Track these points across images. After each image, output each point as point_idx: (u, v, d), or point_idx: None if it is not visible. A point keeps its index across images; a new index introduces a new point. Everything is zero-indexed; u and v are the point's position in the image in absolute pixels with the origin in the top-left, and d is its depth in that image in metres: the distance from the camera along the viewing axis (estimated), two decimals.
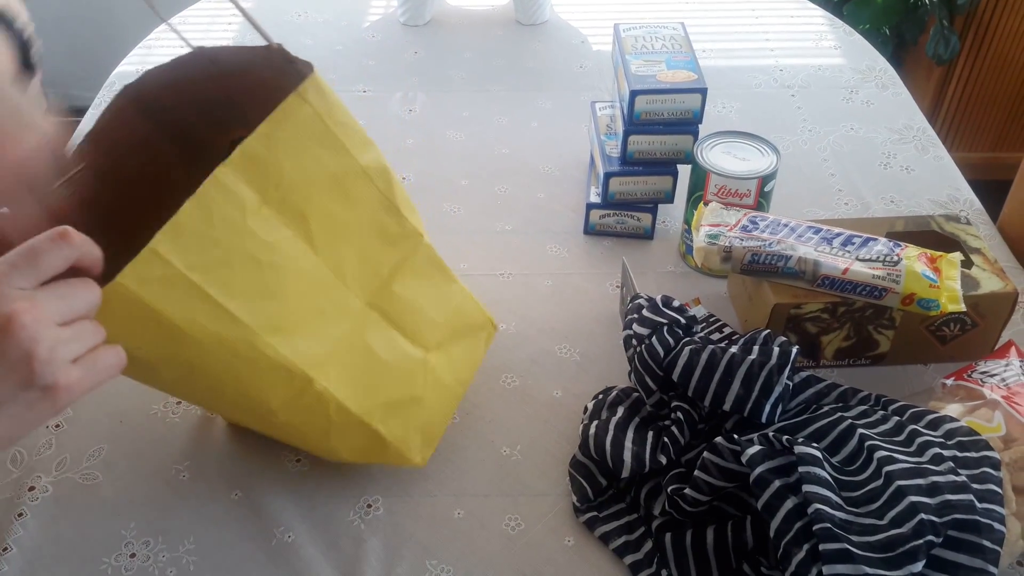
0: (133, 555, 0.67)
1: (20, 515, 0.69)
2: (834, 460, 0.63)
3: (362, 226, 0.60)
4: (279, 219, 0.56)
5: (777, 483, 0.59)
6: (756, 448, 0.61)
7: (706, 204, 0.83)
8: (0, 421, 0.46)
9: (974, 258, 0.78)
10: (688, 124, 0.88)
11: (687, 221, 0.89)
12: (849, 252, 0.74)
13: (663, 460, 0.67)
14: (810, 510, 0.57)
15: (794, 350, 0.69)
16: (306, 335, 0.59)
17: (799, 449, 0.60)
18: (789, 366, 0.67)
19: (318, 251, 0.58)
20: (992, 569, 0.56)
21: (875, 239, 0.76)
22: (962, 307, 0.71)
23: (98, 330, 0.49)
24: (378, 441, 0.66)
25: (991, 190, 1.11)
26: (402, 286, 0.64)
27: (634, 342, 0.73)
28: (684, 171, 0.90)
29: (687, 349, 0.69)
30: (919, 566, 0.55)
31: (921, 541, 0.55)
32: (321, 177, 0.57)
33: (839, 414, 0.67)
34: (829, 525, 0.56)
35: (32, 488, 0.71)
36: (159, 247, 0.50)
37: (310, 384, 0.60)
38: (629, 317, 0.75)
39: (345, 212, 0.59)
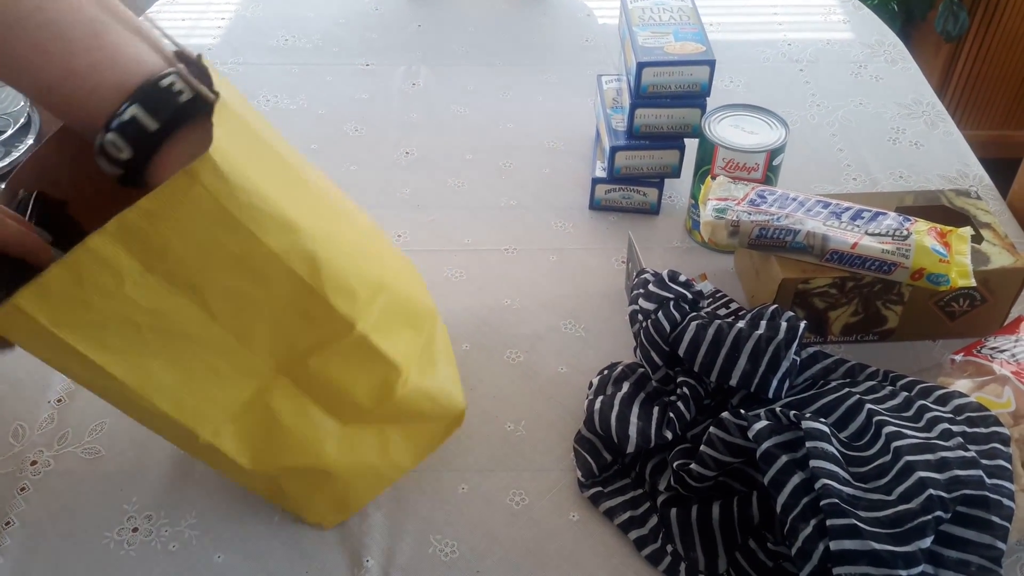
0: (135, 529, 0.67)
1: (22, 489, 0.69)
2: (842, 435, 0.63)
3: (277, 304, 0.55)
4: (167, 288, 0.52)
5: (784, 458, 0.59)
6: (763, 423, 0.60)
7: (713, 178, 0.82)
8: None
9: (984, 233, 0.77)
10: (696, 97, 0.87)
11: (694, 196, 0.88)
12: (858, 226, 0.74)
13: (668, 435, 0.67)
14: (817, 485, 0.56)
15: (801, 325, 0.68)
16: (193, 393, 0.56)
17: (806, 424, 0.59)
18: (796, 341, 0.67)
19: (217, 319, 0.54)
20: (1001, 545, 0.55)
21: (884, 213, 0.75)
22: (972, 282, 0.70)
23: None
24: (280, 493, 0.65)
25: (1000, 168, 1.10)
26: (321, 363, 0.59)
27: (640, 317, 0.72)
28: (691, 145, 0.89)
29: (693, 324, 0.69)
30: (927, 542, 0.54)
31: (929, 517, 0.55)
32: (220, 255, 0.52)
33: (847, 389, 0.66)
34: (836, 500, 0.56)
35: (34, 462, 0.71)
36: (22, 302, 0.48)
37: (195, 436, 0.57)
38: (635, 292, 0.74)
39: (255, 290, 0.54)
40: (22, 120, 2.26)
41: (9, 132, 2.23)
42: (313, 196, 0.57)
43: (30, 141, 2.25)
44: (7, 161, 2.20)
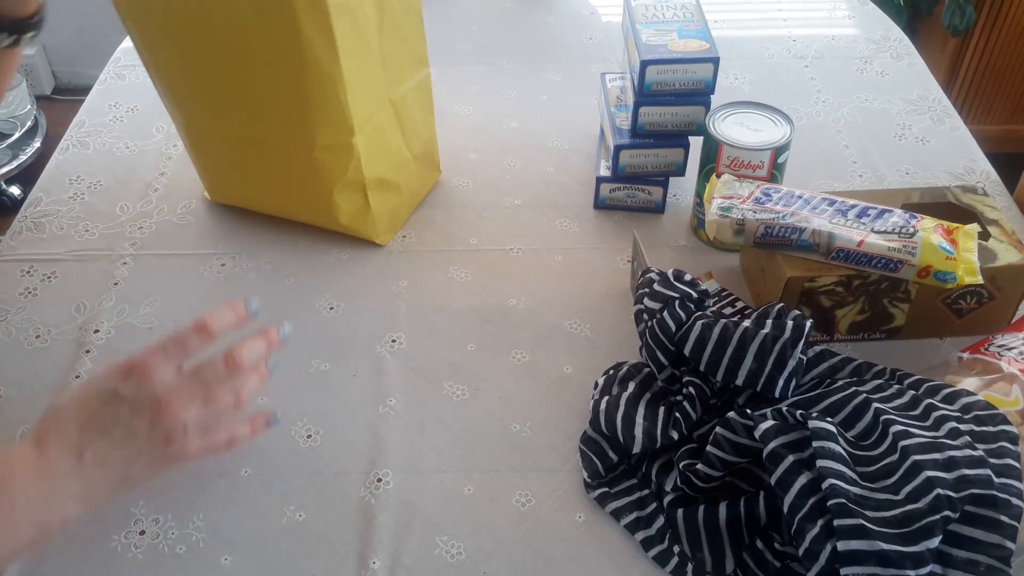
0: (143, 532, 0.67)
1: None
2: (849, 435, 0.63)
3: (404, 37, 0.80)
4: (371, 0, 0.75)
5: (791, 458, 0.58)
6: (769, 423, 0.60)
7: (718, 176, 0.82)
8: (139, 469, 0.61)
9: (991, 230, 0.77)
10: (700, 95, 0.87)
11: (699, 194, 0.88)
12: (864, 224, 0.73)
13: (674, 436, 0.67)
14: (824, 485, 0.56)
15: (808, 324, 0.68)
16: (360, 96, 0.77)
17: (813, 424, 0.59)
18: (803, 340, 0.67)
19: (381, 38, 0.77)
20: (1009, 544, 0.55)
21: (891, 211, 0.75)
22: (979, 279, 0.70)
23: (228, 417, 0.64)
24: (365, 208, 0.85)
25: (1007, 163, 1.09)
26: (412, 99, 0.86)
27: (645, 316, 0.72)
28: (696, 143, 0.89)
29: (699, 323, 0.69)
30: (935, 541, 0.54)
31: (937, 516, 0.54)
32: None
33: (853, 388, 0.66)
34: (844, 500, 0.55)
35: None
36: None
37: (352, 135, 0.78)
38: (640, 292, 0.74)
39: (402, 13, 0.79)
40: (28, 123, 2.27)
41: (16, 135, 2.24)
42: None
43: (37, 144, 2.26)
44: (15, 164, 2.21)
